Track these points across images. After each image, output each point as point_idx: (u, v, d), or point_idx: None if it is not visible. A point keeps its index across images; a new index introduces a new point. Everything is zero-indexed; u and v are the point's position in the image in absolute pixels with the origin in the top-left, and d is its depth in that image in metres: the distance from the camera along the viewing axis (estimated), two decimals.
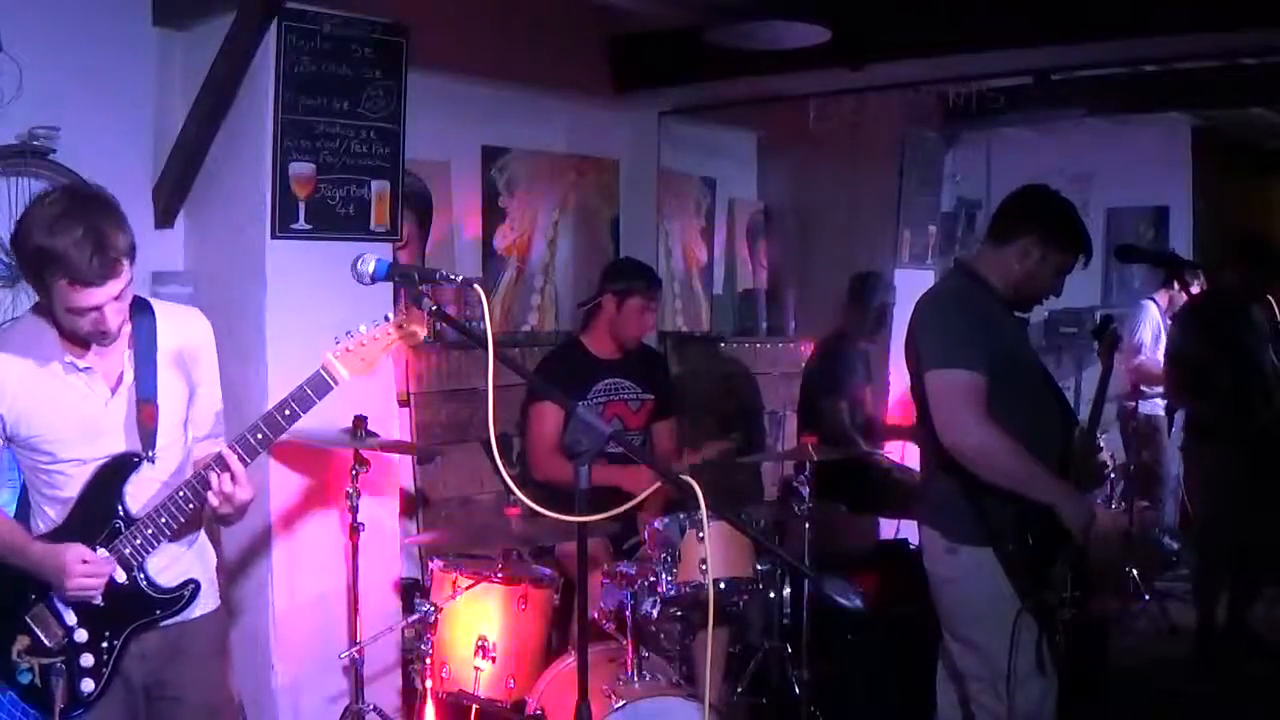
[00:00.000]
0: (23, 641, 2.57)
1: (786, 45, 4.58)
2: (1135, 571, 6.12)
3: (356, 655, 3.77)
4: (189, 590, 2.70)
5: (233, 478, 2.56)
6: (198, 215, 4.15)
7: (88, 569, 2.52)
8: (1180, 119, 7.56)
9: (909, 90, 6.08)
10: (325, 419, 3.62)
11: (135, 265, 2.52)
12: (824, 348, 6.05)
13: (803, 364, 6.33)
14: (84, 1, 3.90)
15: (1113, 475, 6.58)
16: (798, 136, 6.54)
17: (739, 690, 4.46)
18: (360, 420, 3.84)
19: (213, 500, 2.57)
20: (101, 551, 2.56)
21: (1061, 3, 4.38)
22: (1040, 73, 5.24)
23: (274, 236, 3.93)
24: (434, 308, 2.49)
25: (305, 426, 2.77)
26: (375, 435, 3.93)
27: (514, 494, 2.61)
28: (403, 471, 4.64)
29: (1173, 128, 7.74)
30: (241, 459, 2.58)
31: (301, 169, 3.97)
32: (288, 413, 2.60)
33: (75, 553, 2.52)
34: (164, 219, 4.13)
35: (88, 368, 2.60)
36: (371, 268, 2.53)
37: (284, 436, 2.67)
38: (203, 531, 2.82)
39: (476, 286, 2.53)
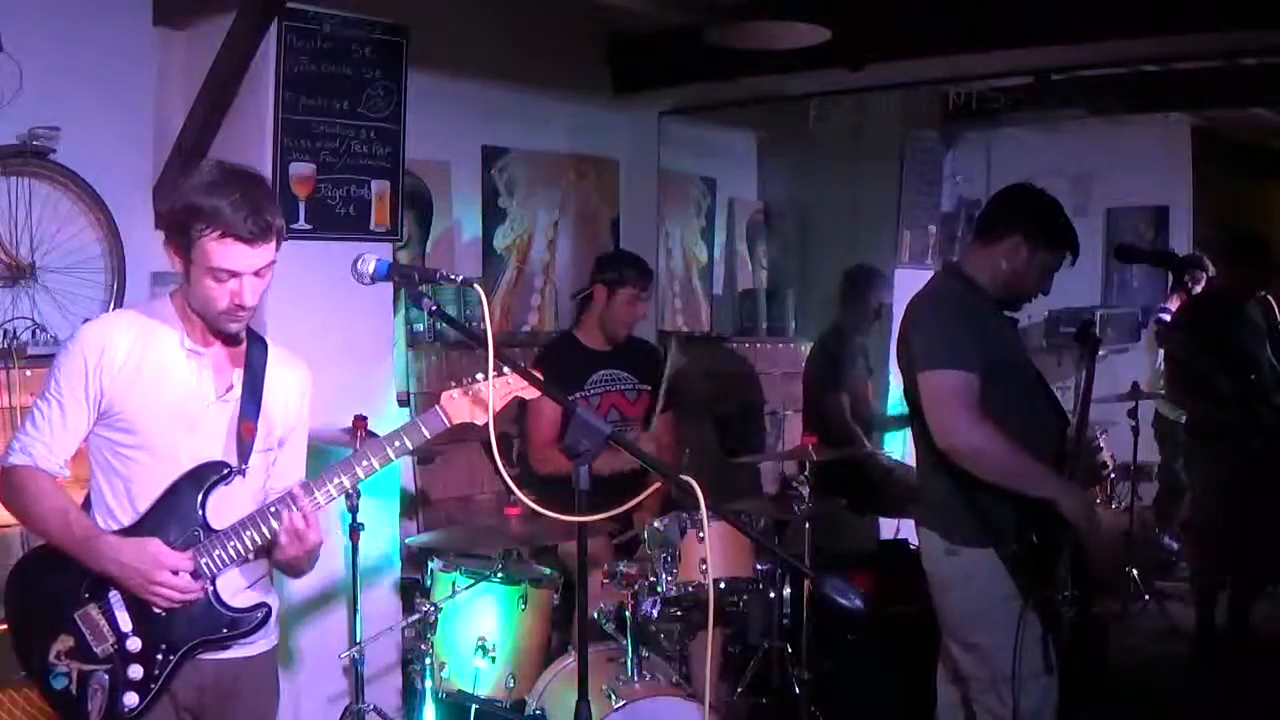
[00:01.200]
0: (65, 642, 2.38)
1: (786, 45, 4.58)
2: (1135, 571, 6.12)
3: (356, 655, 3.77)
4: (262, 613, 2.53)
5: (305, 519, 2.44)
6: None
7: (173, 563, 2.37)
8: (1180, 119, 7.55)
9: (909, 90, 6.08)
10: (325, 419, 3.63)
11: (280, 249, 2.49)
12: (822, 344, 6.06)
13: (803, 363, 6.34)
14: (84, 1, 3.90)
15: (1113, 475, 6.58)
16: (798, 136, 6.55)
17: (739, 690, 4.46)
18: (360, 420, 3.83)
19: (282, 538, 2.44)
20: None
21: (1061, 3, 4.38)
22: (1040, 73, 5.24)
23: None
24: (434, 308, 2.49)
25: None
26: (375, 435, 3.93)
27: (514, 494, 2.61)
28: (403, 471, 4.64)
29: (1173, 128, 7.72)
30: (340, 485, 2.50)
31: (301, 169, 3.97)
32: (397, 444, 2.55)
33: (157, 545, 2.37)
34: None
35: (200, 353, 2.50)
36: (371, 268, 2.53)
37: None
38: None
39: (476, 286, 2.53)
